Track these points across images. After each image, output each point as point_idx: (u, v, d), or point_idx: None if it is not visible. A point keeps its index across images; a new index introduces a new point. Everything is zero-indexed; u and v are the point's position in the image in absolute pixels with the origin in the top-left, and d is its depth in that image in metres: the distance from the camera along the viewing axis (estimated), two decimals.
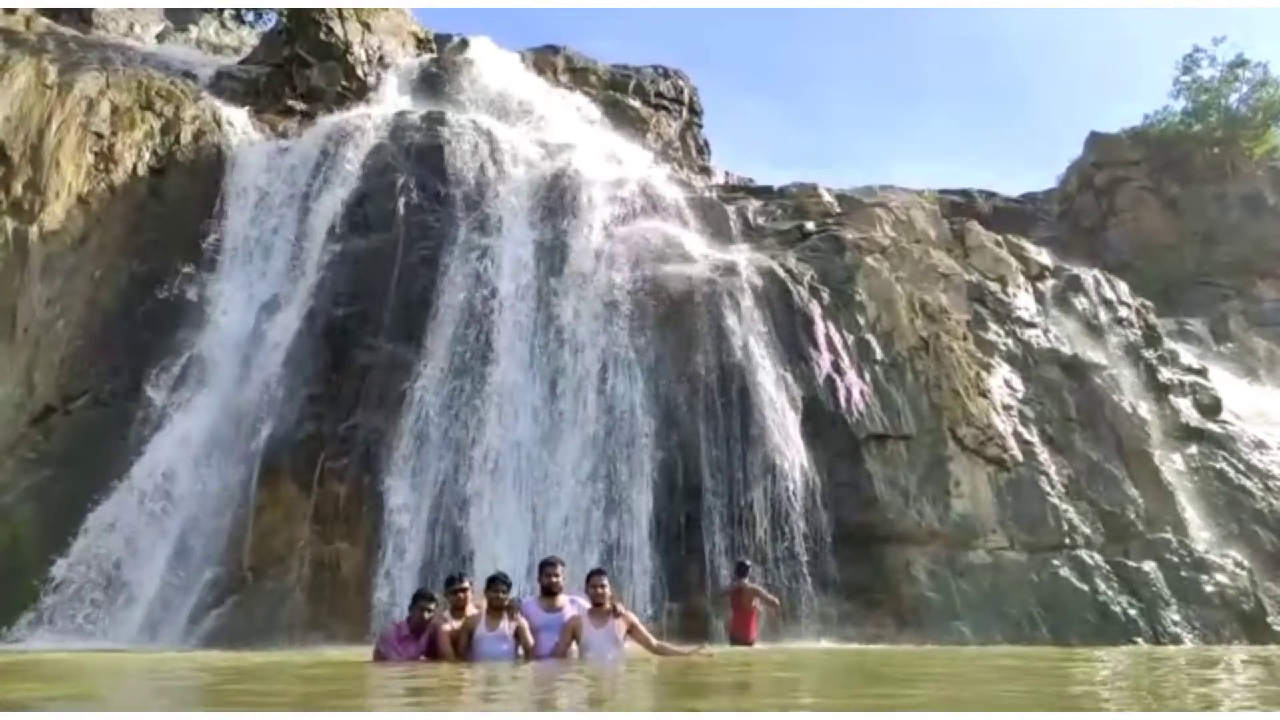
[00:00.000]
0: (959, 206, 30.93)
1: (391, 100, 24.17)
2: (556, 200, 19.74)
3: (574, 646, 8.79)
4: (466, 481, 15.58)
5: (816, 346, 17.96)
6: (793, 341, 17.96)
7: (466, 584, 9.37)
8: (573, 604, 9.13)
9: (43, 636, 14.56)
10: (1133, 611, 15.59)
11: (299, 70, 24.26)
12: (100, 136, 19.99)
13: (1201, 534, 17.43)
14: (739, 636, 13.07)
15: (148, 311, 18.61)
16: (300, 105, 23.42)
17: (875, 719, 4.67)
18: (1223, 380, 22.32)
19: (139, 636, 14.64)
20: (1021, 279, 21.57)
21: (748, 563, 13.90)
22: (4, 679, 7.28)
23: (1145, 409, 19.26)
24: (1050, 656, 10.75)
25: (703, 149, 30.48)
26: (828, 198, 24.16)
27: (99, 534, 15.80)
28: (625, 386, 16.74)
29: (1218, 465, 18.91)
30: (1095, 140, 35.27)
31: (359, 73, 24.75)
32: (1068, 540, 16.53)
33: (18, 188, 18.93)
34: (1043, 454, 17.64)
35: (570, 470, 15.85)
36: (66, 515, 15.89)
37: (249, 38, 32.52)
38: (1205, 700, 5.39)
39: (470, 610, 9.06)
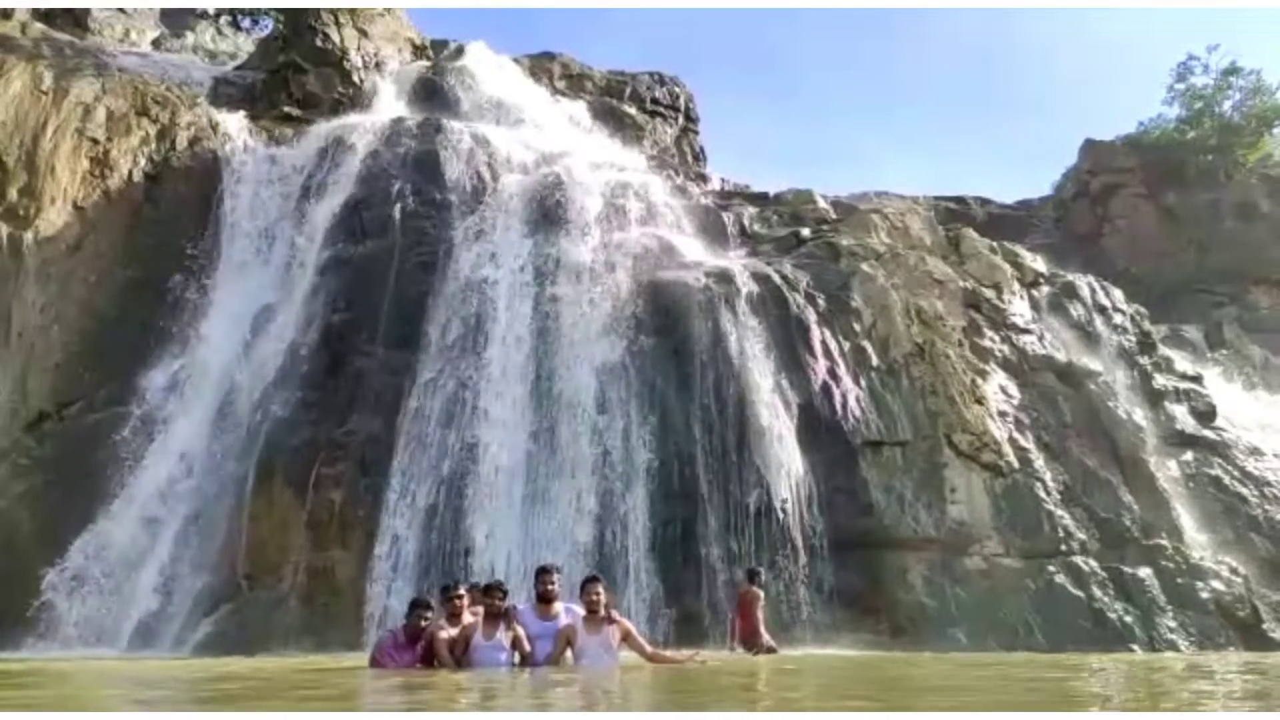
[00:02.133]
0: (954, 213, 30.96)
1: (387, 106, 24.17)
2: (553, 207, 19.72)
3: (568, 654, 8.77)
4: (462, 488, 15.55)
5: (812, 353, 17.95)
6: (788, 348, 17.93)
7: (462, 591, 9.34)
8: (568, 611, 9.10)
9: (37, 644, 14.51)
10: (1128, 618, 15.58)
11: (295, 76, 24.23)
12: (96, 142, 19.97)
13: (1197, 541, 17.42)
14: (749, 643, 12.88)
15: (142, 318, 18.58)
16: (296, 111, 23.39)
17: (875, 719, 4.66)
18: (1218, 387, 22.35)
19: (133, 643, 14.59)
20: (1017, 285, 21.57)
21: (759, 569, 13.77)
22: None
23: (1140, 415, 19.26)
24: (1063, 665, 10.71)
25: (699, 155, 30.50)
26: (823, 204, 24.17)
27: (93, 540, 15.76)
28: (621, 392, 16.72)
29: (1213, 472, 18.90)
30: (1090, 147, 35.33)
31: (355, 79, 24.73)
32: (1063, 547, 16.52)
33: (13, 193, 18.92)
34: (1038, 460, 17.63)
35: (566, 476, 15.81)
36: (61, 522, 15.86)
37: (245, 44, 32.52)
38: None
39: (466, 618, 9.03)
